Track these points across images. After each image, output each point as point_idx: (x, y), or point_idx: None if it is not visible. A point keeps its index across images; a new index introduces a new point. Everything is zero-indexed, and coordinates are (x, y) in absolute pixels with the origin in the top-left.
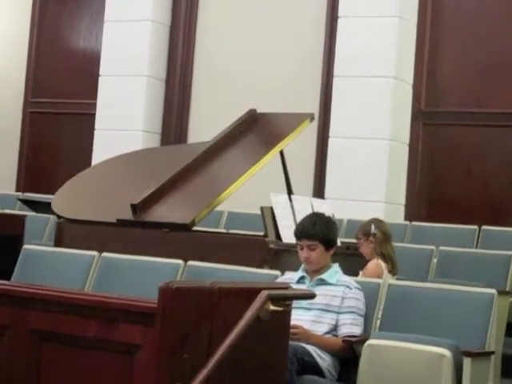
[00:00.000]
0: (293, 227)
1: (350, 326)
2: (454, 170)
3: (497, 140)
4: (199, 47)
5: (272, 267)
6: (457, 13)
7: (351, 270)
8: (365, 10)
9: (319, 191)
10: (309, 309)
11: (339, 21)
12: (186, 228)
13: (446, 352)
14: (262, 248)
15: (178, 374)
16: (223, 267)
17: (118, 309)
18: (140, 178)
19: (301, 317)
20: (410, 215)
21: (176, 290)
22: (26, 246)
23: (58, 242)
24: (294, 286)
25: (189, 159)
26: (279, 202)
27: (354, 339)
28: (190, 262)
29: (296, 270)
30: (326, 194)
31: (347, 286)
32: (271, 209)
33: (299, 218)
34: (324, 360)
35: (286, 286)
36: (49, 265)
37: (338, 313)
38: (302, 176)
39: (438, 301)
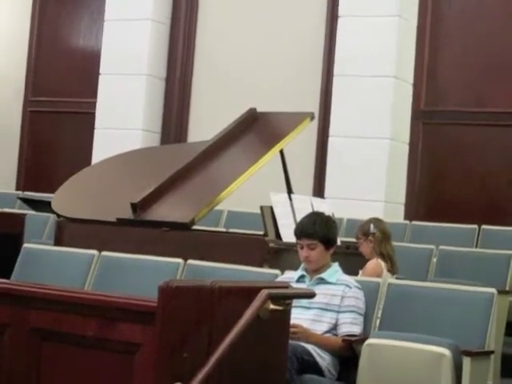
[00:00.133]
0: (293, 226)
1: (350, 325)
2: (454, 169)
3: (497, 139)
4: (199, 46)
5: (272, 266)
6: (457, 12)
7: (351, 269)
8: (365, 10)
9: (319, 190)
10: (308, 308)
11: (339, 20)
12: (185, 227)
13: (446, 351)
14: (262, 247)
15: (177, 372)
16: (223, 266)
17: (117, 308)
18: (140, 177)
19: (300, 316)
20: (409, 214)
21: (176, 288)
22: (25, 245)
23: (57, 241)
24: (294, 285)
25: (188, 158)
26: (279, 201)
27: (353, 338)
28: (190, 261)
29: (296, 269)
30: (326, 193)
31: (347, 285)
32: (271, 208)
33: (299, 217)
34: (324, 359)
35: (286, 285)
36: (49, 264)
37: (338, 312)
38: (302, 175)
39: (437, 300)
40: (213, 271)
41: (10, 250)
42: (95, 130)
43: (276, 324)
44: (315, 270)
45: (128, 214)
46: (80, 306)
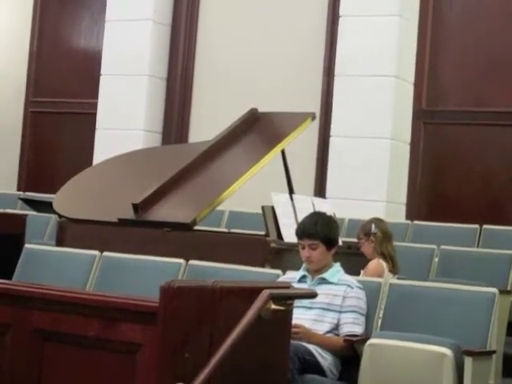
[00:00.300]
0: (294, 226)
1: (352, 325)
2: (455, 168)
3: (497, 139)
4: (200, 47)
5: (273, 266)
6: (457, 12)
7: (353, 269)
8: (366, 10)
9: (320, 190)
10: (310, 308)
11: (340, 20)
12: (187, 227)
13: (448, 351)
14: (264, 247)
15: (179, 373)
16: (224, 266)
17: (119, 308)
18: (141, 177)
19: (302, 316)
20: (411, 214)
21: (177, 289)
22: (27, 246)
23: (59, 242)
24: (296, 286)
25: (190, 158)
26: (280, 201)
27: (355, 338)
28: (192, 262)
29: (297, 269)
30: (328, 193)
31: (349, 285)
32: (272, 208)
33: (300, 218)
34: (325, 359)
35: (288, 286)
36: (50, 264)
37: (340, 312)
38: (303, 175)
39: (439, 300)
40: (214, 271)
41: (12, 251)
42: (96, 131)
43: (278, 324)
44: (317, 270)
45: (129, 214)
46: (81, 306)
